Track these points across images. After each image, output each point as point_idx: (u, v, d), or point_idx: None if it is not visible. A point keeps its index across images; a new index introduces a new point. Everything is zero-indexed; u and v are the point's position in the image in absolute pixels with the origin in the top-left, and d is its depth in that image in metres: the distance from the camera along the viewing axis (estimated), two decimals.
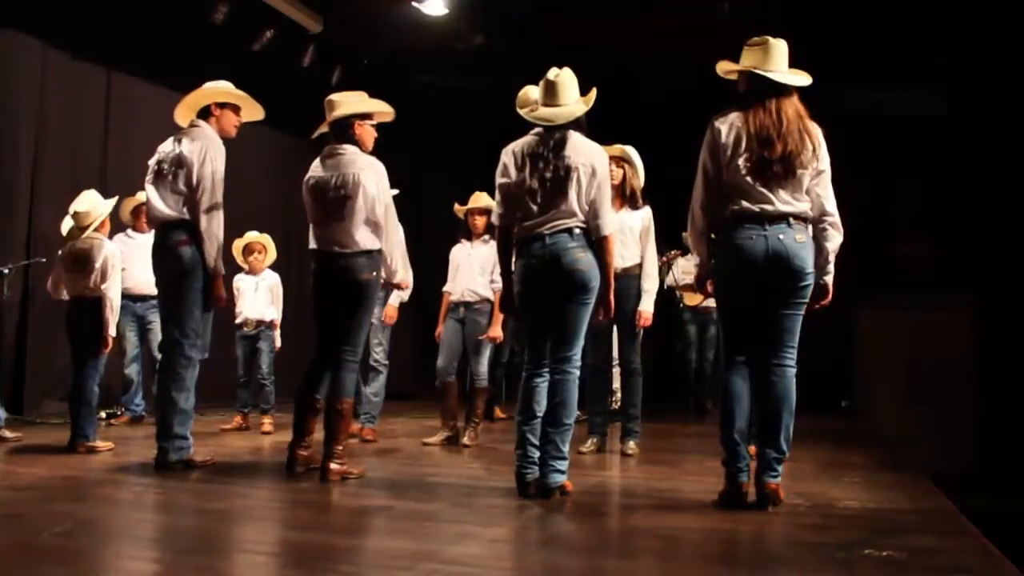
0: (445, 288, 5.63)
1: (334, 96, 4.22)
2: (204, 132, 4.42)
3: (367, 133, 4.22)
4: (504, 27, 8.29)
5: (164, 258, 4.38)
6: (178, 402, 4.25)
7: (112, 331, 5.05)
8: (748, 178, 3.33)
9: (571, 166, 3.55)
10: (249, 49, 7.86)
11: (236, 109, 4.55)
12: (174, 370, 4.27)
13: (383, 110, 4.29)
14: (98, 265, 4.96)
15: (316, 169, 4.19)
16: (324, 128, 4.22)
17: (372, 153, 4.23)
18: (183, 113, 4.53)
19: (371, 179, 4.07)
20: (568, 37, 8.03)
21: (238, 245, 6.28)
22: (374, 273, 4.11)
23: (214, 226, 4.31)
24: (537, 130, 3.66)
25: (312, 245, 4.19)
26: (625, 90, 7.98)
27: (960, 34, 7.65)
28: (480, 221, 5.50)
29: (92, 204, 5.13)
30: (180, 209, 4.33)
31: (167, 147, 4.44)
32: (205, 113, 4.48)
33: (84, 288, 4.97)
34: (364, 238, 4.06)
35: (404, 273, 5.51)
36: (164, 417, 4.26)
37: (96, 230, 5.09)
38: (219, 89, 4.52)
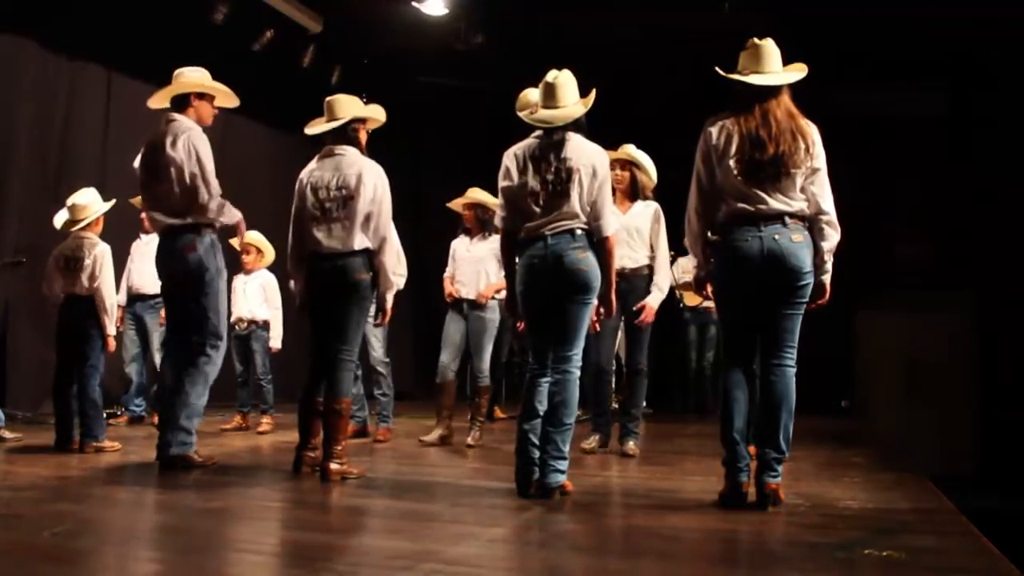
0: (446, 275, 5.64)
1: (338, 97, 4.24)
2: (184, 125, 4.36)
3: (363, 135, 4.28)
4: (504, 27, 8.29)
5: (171, 264, 4.38)
6: (189, 395, 4.24)
7: (111, 330, 5.05)
8: (740, 179, 3.33)
9: (572, 167, 3.55)
10: (249, 49, 7.86)
11: (212, 98, 4.54)
12: (194, 365, 4.28)
13: (380, 117, 4.37)
14: (88, 264, 4.96)
15: (314, 168, 4.20)
16: (323, 128, 4.22)
17: (368, 153, 4.25)
18: (159, 100, 4.49)
19: (371, 181, 4.09)
20: (568, 37, 8.03)
21: (233, 243, 6.27)
22: (369, 273, 4.12)
23: (225, 211, 4.36)
24: (537, 132, 3.66)
25: (306, 247, 4.16)
26: (625, 90, 7.99)
27: (961, 34, 7.65)
28: (468, 215, 5.54)
29: (91, 199, 5.12)
30: (180, 213, 4.32)
31: (149, 146, 4.41)
32: (183, 103, 4.44)
33: (76, 287, 4.97)
34: (361, 238, 4.07)
35: (399, 267, 5.54)
36: (171, 408, 4.23)
37: (88, 229, 5.09)
38: (199, 80, 4.48)
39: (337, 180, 4.08)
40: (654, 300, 4.94)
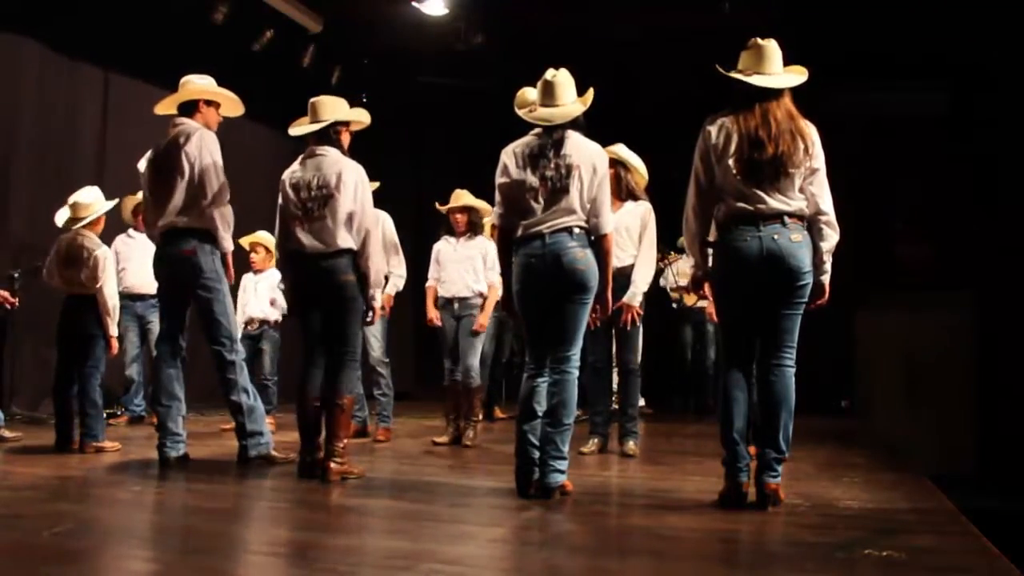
0: (428, 284, 5.64)
1: (322, 99, 4.25)
2: (196, 126, 4.41)
3: (346, 137, 4.30)
4: (504, 27, 8.29)
5: (173, 269, 4.42)
6: (242, 403, 4.42)
7: (114, 331, 5.06)
8: (740, 178, 3.33)
9: (572, 165, 3.55)
10: (249, 49, 7.86)
11: (218, 105, 4.60)
12: (225, 377, 4.44)
13: (364, 119, 4.39)
14: (90, 264, 4.95)
15: (296, 169, 4.22)
16: (307, 129, 4.23)
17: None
18: (167, 106, 4.53)
19: (351, 180, 4.10)
20: (568, 37, 8.03)
21: (243, 243, 6.26)
22: (355, 274, 4.12)
23: (227, 214, 4.40)
24: (536, 130, 3.67)
25: (289, 247, 4.16)
26: (625, 90, 7.99)
27: (962, 34, 7.65)
28: (461, 219, 5.54)
29: (94, 198, 5.12)
30: (183, 216, 4.34)
31: (159, 148, 4.44)
32: (191, 108, 4.48)
33: (77, 286, 4.96)
34: (344, 238, 4.07)
35: (400, 268, 5.54)
36: (236, 419, 4.47)
37: (89, 228, 5.08)
38: (208, 87, 4.52)
39: (317, 180, 4.10)
40: (630, 298, 4.86)
